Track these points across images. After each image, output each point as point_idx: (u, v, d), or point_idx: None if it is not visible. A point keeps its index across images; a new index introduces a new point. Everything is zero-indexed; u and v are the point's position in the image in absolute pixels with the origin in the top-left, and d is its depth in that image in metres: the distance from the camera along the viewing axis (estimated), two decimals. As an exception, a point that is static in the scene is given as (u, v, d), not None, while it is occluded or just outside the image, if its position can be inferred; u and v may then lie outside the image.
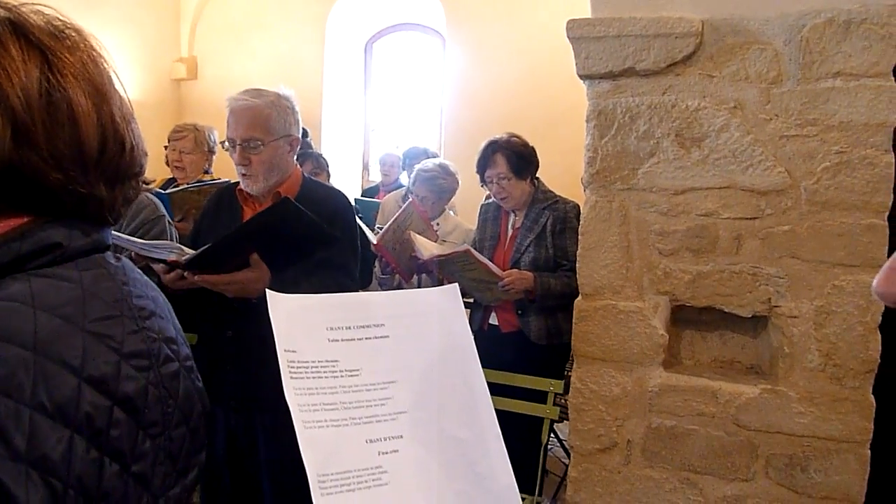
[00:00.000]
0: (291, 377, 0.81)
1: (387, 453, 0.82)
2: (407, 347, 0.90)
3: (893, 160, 1.90)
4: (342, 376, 0.84)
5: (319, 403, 0.81)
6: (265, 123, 2.01)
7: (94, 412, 0.68)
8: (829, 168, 1.94)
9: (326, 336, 0.86)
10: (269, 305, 0.85)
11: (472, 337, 0.96)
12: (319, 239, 1.86)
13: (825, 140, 1.94)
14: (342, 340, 0.87)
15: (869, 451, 1.96)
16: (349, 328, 0.88)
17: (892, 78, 1.88)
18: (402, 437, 0.84)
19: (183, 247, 1.86)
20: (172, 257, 1.78)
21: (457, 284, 0.99)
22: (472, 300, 3.08)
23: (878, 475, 1.98)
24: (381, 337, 0.89)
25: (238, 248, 1.79)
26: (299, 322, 0.86)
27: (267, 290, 0.87)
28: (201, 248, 1.76)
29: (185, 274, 1.77)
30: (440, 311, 0.95)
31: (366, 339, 0.88)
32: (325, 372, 0.83)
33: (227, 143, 2.05)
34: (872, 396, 1.95)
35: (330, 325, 0.87)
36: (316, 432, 0.79)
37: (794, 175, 1.97)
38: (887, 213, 1.91)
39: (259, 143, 1.99)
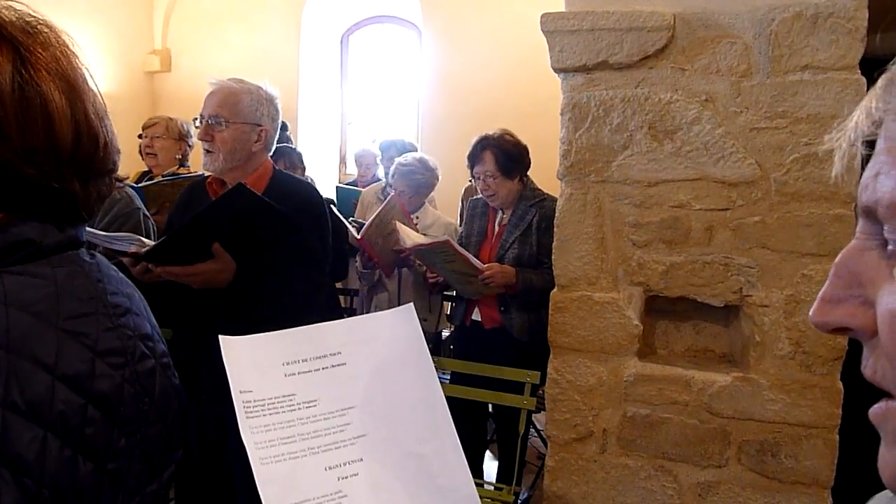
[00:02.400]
0: (247, 416, 0.82)
1: (346, 478, 0.83)
2: (364, 372, 0.91)
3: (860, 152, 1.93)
4: (299, 409, 0.85)
5: (276, 438, 0.81)
6: (234, 105, 2.04)
7: (67, 410, 0.68)
8: (798, 160, 1.97)
9: (283, 371, 0.87)
10: (223, 350, 0.85)
11: (429, 354, 0.97)
12: (280, 225, 1.85)
13: (794, 132, 1.97)
14: (299, 374, 0.87)
15: (837, 437, 2.01)
16: (305, 360, 0.89)
17: (859, 71, 1.92)
18: (361, 459, 0.85)
19: (143, 238, 1.85)
20: (133, 249, 1.77)
21: (412, 304, 1.01)
22: (454, 294, 3.10)
23: (846, 460, 2.03)
24: (339, 365, 0.90)
25: (197, 236, 1.79)
26: (254, 361, 0.86)
27: (220, 336, 0.87)
28: (159, 239, 1.76)
29: (150, 266, 1.77)
30: (396, 333, 0.96)
31: (322, 369, 0.89)
32: (281, 407, 0.84)
33: (198, 120, 2.08)
34: (841, 383, 2.00)
35: (286, 359, 0.88)
36: (273, 467, 0.79)
37: (764, 167, 2.01)
38: (854, 204, 1.96)
39: (223, 120, 2.02)
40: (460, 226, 3.38)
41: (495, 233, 2.99)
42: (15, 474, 0.64)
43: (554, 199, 2.92)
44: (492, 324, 2.93)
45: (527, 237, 2.85)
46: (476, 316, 2.99)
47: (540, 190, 2.99)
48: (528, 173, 3.04)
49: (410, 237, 2.95)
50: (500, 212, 3.01)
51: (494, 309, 2.91)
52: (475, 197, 3.20)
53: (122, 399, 0.75)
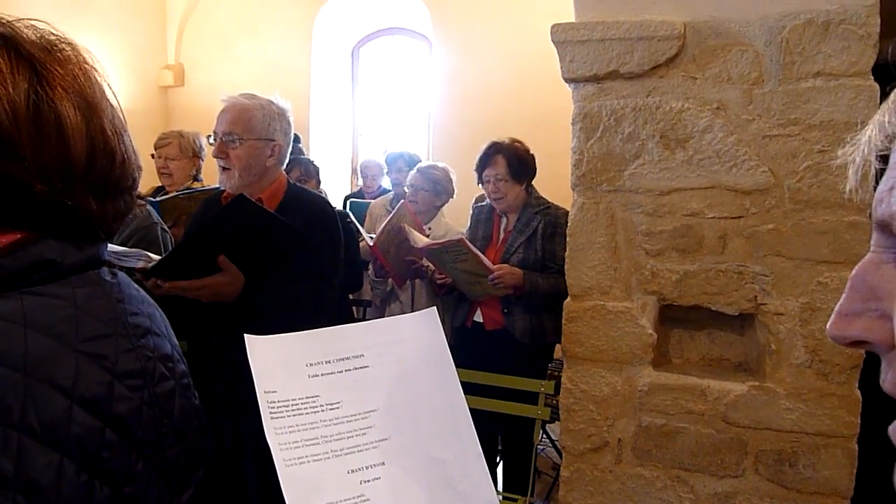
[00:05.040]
0: (272, 417, 0.81)
1: (369, 481, 0.83)
2: (387, 375, 0.91)
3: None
4: (322, 410, 0.85)
5: (300, 440, 0.81)
6: (248, 122, 2.06)
7: (84, 434, 0.67)
8: (811, 167, 1.96)
9: (306, 372, 0.87)
10: (248, 349, 0.85)
11: (452, 358, 0.97)
12: (286, 237, 1.87)
13: (807, 139, 1.96)
14: (322, 375, 0.87)
15: (856, 446, 1.99)
16: (329, 362, 0.89)
17: (872, 77, 1.90)
18: (383, 463, 0.85)
19: (150, 254, 1.86)
20: (140, 265, 1.78)
21: (435, 308, 1.01)
22: (456, 295, 3.11)
23: (865, 469, 2.00)
24: (361, 367, 0.90)
25: (200, 250, 1.80)
26: (278, 362, 0.86)
27: (245, 336, 0.87)
28: (164, 254, 1.78)
29: (159, 281, 1.78)
30: (419, 336, 0.96)
31: (346, 371, 0.89)
32: (305, 408, 0.84)
33: (211, 137, 2.11)
34: (858, 391, 1.98)
35: (309, 360, 0.88)
36: (296, 469, 0.79)
37: (778, 174, 2.00)
38: (869, 213, 1.94)
39: (237, 137, 2.04)
40: (472, 235, 3.39)
41: (500, 238, 3.03)
42: (30, 500, 0.63)
43: (558, 207, 2.97)
44: (493, 325, 2.95)
45: (532, 243, 2.89)
46: (478, 317, 3.01)
47: (544, 198, 3.04)
48: (540, 182, 3.07)
49: (420, 239, 2.97)
50: (505, 218, 3.03)
51: (497, 310, 2.93)
52: (480, 203, 3.23)
53: (140, 422, 0.74)
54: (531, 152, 3.02)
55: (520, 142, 3.02)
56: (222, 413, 2.04)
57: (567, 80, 2.17)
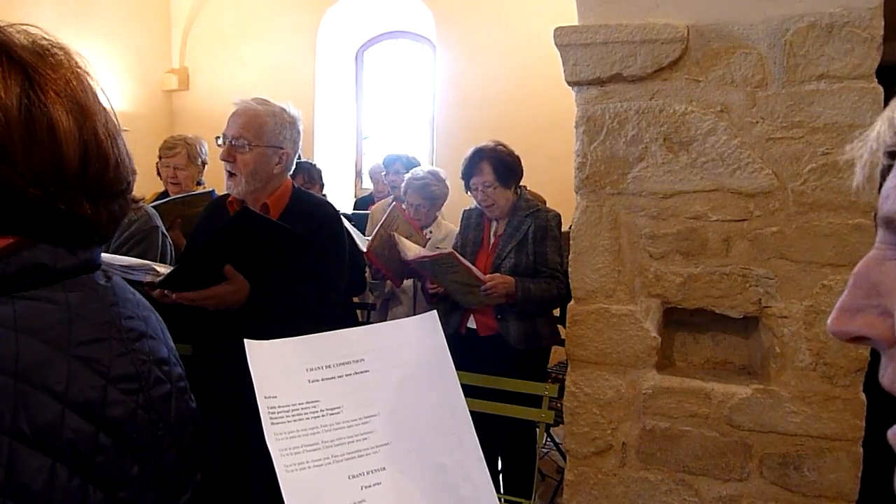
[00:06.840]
0: (272, 422, 0.81)
1: (369, 487, 0.83)
2: (387, 379, 0.91)
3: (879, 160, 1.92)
4: (323, 416, 0.84)
5: (301, 446, 0.81)
6: (258, 128, 2.05)
7: (77, 439, 0.67)
8: (815, 169, 1.96)
9: (307, 377, 0.87)
10: (248, 355, 0.85)
11: (453, 362, 0.97)
12: (290, 243, 1.88)
13: (811, 142, 1.96)
14: (322, 380, 0.87)
15: (861, 449, 1.98)
16: (329, 367, 0.88)
17: (875, 79, 1.90)
18: (384, 469, 0.85)
19: (157, 267, 1.87)
20: (148, 279, 1.79)
21: (435, 312, 1.00)
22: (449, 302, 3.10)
23: (870, 473, 2.00)
24: (362, 372, 0.90)
25: (208, 261, 1.81)
26: (278, 367, 0.86)
27: (245, 341, 0.86)
28: (172, 268, 1.80)
29: (166, 291, 1.80)
30: (420, 340, 0.96)
31: (346, 375, 0.89)
32: (305, 413, 0.84)
33: (220, 139, 2.10)
34: (863, 394, 1.97)
35: (309, 366, 0.88)
36: (298, 475, 0.79)
37: (781, 177, 1.99)
38: (874, 213, 1.93)
39: (246, 143, 2.04)
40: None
41: (491, 243, 3.00)
42: None
43: (548, 210, 2.95)
44: (487, 331, 2.93)
45: (523, 247, 2.86)
46: (471, 324, 2.99)
47: (534, 200, 3.01)
48: (543, 185, 3.05)
49: (411, 249, 2.96)
50: (495, 222, 3.01)
51: (490, 316, 2.91)
52: (468, 207, 3.20)
53: (135, 426, 0.73)
54: (516, 154, 2.97)
55: (503, 144, 2.97)
56: (227, 416, 2.04)
57: (570, 84, 2.18)
